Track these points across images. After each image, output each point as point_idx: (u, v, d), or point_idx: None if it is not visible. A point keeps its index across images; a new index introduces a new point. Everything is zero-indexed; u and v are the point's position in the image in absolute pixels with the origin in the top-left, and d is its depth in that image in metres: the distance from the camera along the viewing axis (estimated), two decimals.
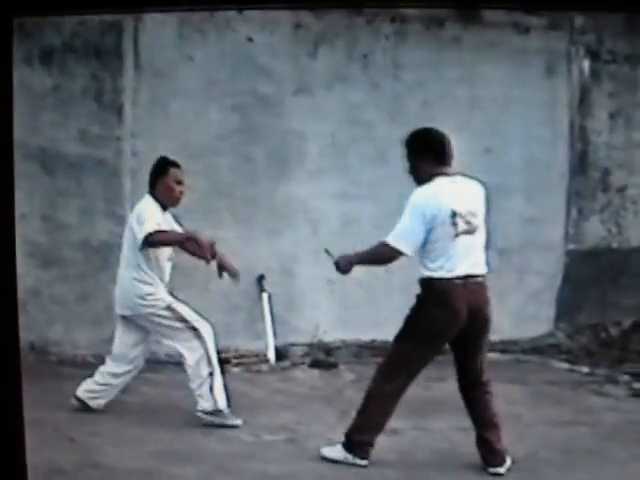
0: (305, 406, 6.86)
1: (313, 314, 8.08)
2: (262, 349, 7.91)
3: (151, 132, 7.47)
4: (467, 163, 7.77)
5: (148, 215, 6.13)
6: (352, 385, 7.37)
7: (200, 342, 6.15)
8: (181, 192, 6.27)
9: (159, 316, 6.19)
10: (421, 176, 5.49)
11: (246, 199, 7.89)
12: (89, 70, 7.53)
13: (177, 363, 6.40)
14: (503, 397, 6.00)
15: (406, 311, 7.83)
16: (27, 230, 6.96)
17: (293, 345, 8.01)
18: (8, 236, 3.61)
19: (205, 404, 6.17)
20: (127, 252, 6.25)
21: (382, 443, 5.76)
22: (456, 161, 7.45)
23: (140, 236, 6.06)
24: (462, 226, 5.40)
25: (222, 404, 6.21)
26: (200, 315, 6.24)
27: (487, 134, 8.30)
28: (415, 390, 6.79)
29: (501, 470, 5.50)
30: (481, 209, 5.59)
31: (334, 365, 7.81)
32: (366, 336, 8.05)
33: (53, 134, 6.79)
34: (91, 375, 6.43)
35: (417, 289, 7.82)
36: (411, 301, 7.83)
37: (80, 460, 5.56)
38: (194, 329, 6.18)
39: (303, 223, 8.03)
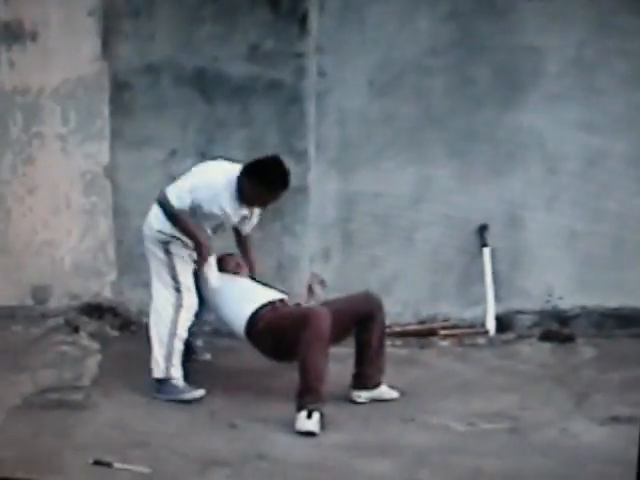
0: (532, 388, 6.22)
1: (546, 275, 7.26)
2: (479, 318, 7.25)
3: (342, 46, 6.84)
4: None
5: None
6: (592, 363, 6.70)
7: None
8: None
9: None
10: None
11: (464, 130, 7.12)
12: None
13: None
14: None
15: None
16: (178, 169, 6.39)
17: (519, 313, 7.29)
18: None
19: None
20: None
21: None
22: None
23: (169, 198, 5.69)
24: None
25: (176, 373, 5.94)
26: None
27: None
28: None
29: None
30: None
31: (571, 338, 7.10)
32: (611, 302, 7.20)
33: (213, 51, 6.34)
34: None
35: None
36: None
37: (243, 450, 5.18)
38: None
39: (536, 161, 7.15)
